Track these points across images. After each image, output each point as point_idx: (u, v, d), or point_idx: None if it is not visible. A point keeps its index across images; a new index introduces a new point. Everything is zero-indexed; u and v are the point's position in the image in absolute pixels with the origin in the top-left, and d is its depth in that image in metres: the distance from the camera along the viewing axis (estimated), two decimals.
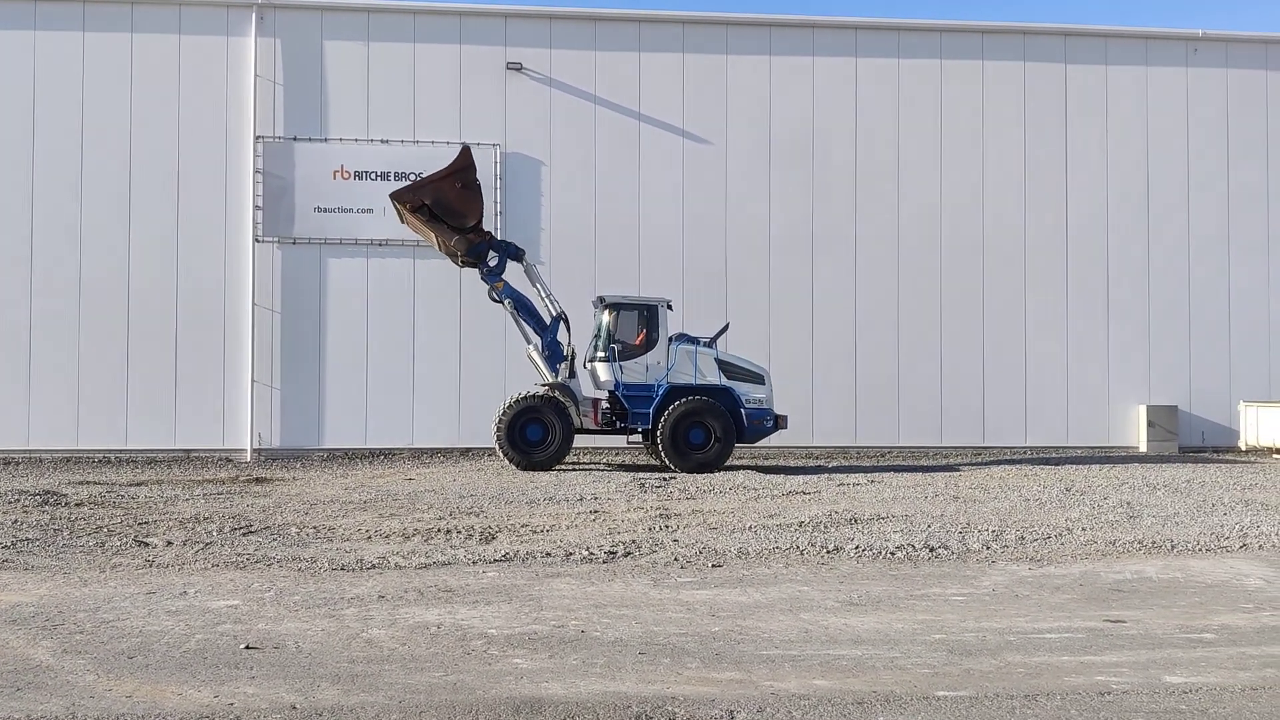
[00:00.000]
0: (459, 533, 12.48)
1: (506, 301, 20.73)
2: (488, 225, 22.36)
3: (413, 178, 23.68)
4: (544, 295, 20.72)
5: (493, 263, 20.68)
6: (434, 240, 20.75)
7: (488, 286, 20.81)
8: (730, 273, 24.66)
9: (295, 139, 23.72)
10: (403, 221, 21.16)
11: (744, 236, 24.73)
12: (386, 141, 23.91)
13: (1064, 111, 25.71)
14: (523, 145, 24.33)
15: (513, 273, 20.93)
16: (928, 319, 25.10)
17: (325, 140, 23.81)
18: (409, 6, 24.37)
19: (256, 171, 23.51)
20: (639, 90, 24.64)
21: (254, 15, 23.64)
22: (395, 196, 20.79)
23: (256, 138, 23.53)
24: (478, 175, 20.81)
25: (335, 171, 23.77)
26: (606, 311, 20.68)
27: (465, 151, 20.88)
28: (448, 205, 20.31)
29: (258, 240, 23.50)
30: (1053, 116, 25.67)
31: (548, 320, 20.65)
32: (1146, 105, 25.91)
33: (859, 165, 25.08)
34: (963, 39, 25.56)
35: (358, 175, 23.81)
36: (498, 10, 24.61)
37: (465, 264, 20.87)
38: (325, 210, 23.72)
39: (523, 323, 20.74)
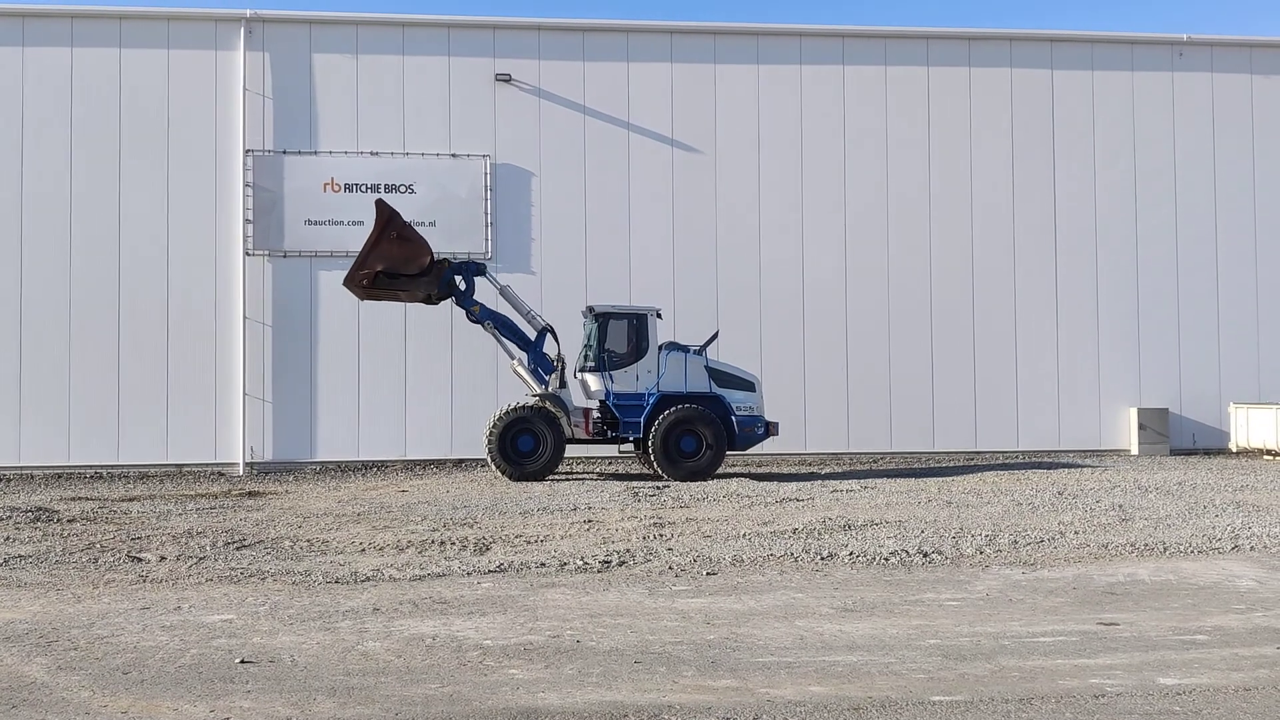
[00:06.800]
0: (453, 544, 12.47)
1: (486, 323, 20.68)
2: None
3: (402, 189, 23.73)
4: (525, 313, 20.65)
5: (461, 286, 20.62)
6: (404, 298, 20.54)
7: (464, 311, 20.79)
8: (721, 281, 24.70)
9: (285, 152, 23.72)
10: (365, 300, 20.80)
11: (734, 244, 24.78)
12: (376, 154, 23.93)
13: (1051, 116, 25.83)
14: (512, 156, 24.36)
15: (489, 297, 21.02)
16: (918, 325, 25.17)
17: (315, 153, 23.82)
18: (397, 19, 24.41)
19: (246, 185, 23.50)
20: (628, 100, 24.71)
21: (243, 29, 23.65)
22: (349, 283, 20.21)
23: (246, 151, 23.53)
24: (403, 218, 20.41)
25: (325, 184, 23.78)
26: (596, 321, 20.70)
27: (380, 204, 20.39)
28: (398, 260, 19.95)
29: (248, 254, 23.48)
30: (1040, 121, 25.79)
31: (531, 335, 20.64)
32: (1133, 109, 26.05)
33: (848, 171, 25.17)
34: (950, 46, 25.67)
35: (348, 188, 23.82)
36: (486, 22, 24.65)
37: (439, 299, 20.75)
38: (316, 223, 23.72)
39: (505, 341, 20.72)
